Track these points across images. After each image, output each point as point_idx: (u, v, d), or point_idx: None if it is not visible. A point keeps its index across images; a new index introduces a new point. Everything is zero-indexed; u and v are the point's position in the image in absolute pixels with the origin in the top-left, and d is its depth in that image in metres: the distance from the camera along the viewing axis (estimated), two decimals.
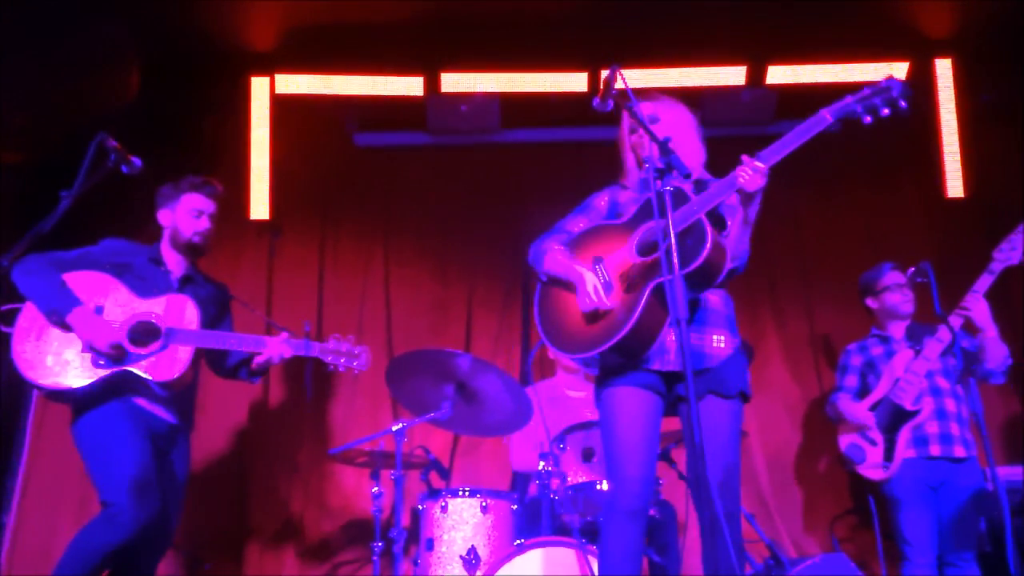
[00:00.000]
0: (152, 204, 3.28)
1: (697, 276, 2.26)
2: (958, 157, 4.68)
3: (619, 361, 2.42)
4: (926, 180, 4.79)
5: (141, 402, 3.01)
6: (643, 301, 2.31)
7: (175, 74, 4.55)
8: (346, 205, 4.94)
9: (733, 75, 4.63)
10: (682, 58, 4.64)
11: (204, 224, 3.23)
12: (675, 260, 2.04)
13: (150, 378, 2.95)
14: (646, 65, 4.58)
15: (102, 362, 2.93)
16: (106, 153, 2.45)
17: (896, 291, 3.78)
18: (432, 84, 4.66)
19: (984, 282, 3.53)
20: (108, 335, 2.93)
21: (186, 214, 3.21)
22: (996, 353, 3.56)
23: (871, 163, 4.92)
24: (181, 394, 3.11)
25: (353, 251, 4.87)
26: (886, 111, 2.28)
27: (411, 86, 4.69)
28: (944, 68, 4.72)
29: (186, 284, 3.20)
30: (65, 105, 4.10)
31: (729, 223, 2.41)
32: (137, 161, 2.58)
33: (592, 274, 2.42)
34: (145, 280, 3.09)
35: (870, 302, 3.87)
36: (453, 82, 4.67)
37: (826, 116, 2.30)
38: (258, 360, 3.18)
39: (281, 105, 4.72)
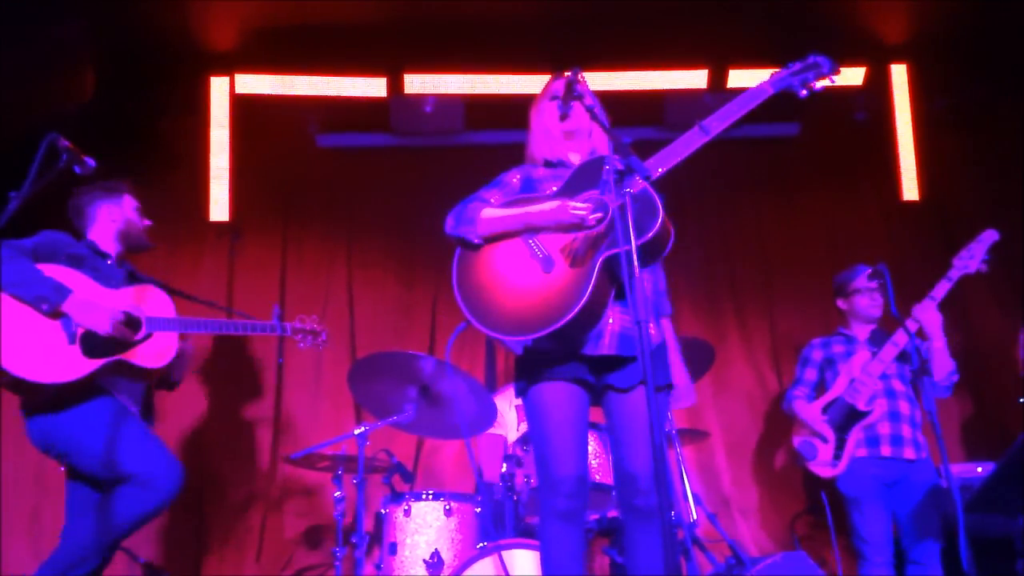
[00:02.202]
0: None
1: (645, 250, 2.16)
2: (913, 161, 4.77)
3: (552, 348, 2.31)
4: (883, 183, 4.88)
5: (120, 398, 2.96)
6: (595, 274, 2.22)
7: (132, 74, 4.46)
8: (308, 206, 4.90)
9: (695, 78, 4.67)
10: (645, 61, 4.67)
11: (148, 222, 3.26)
12: (635, 262, 1.99)
13: (146, 366, 2.95)
14: (609, 68, 4.60)
15: (94, 352, 2.85)
16: (58, 153, 2.38)
17: (866, 294, 3.84)
18: (396, 85, 4.64)
19: (941, 288, 3.60)
20: (111, 315, 2.87)
21: (134, 212, 3.23)
22: (942, 366, 3.60)
23: (830, 166, 5.01)
24: (147, 389, 3.08)
25: (316, 253, 4.83)
26: (819, 85, 2.42)
27: (375, 87, 4.65)
28: (900, 73, 4.81)
29: (132, 276, 3.16)
30: (18, 105, 4.00)
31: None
32: (91, 161, 2.50)
33: (563, 199, 2.28)
34: (100, 272, 3.03)
35: (840, 303, 3.93)
36: (417, 83, 4.65)
37: (767, 88, 2.43)
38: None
39: (241, 105, 4.65)
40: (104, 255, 3.12)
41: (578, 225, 2.30)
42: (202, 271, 4.70)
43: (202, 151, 4.63)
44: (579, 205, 2.28)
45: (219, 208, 4.63)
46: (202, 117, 4.64)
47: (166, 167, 4.53)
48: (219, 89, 4.65)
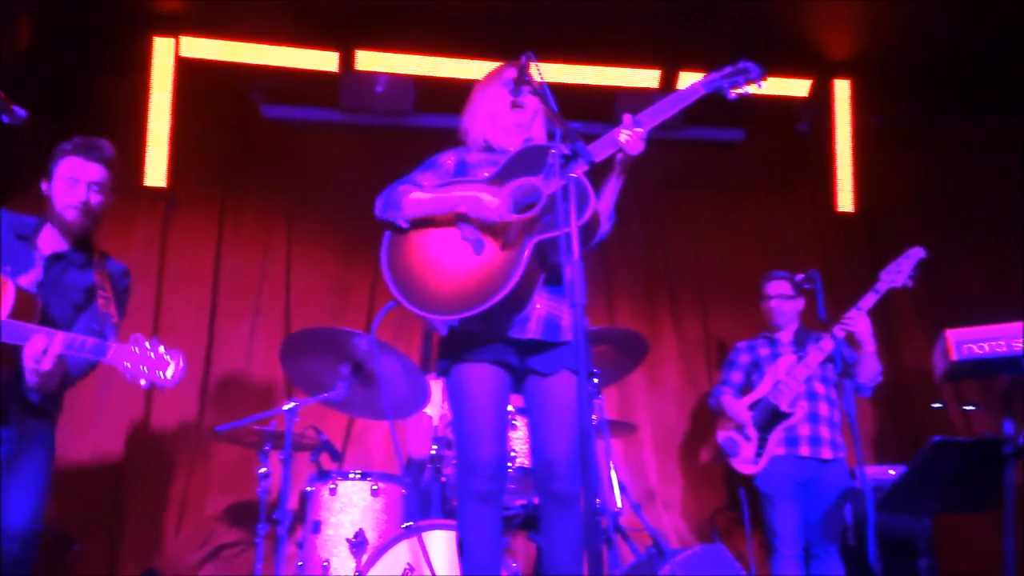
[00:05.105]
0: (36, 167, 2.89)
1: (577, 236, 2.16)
2: (850, 173, 4.93)
3: (478, 329, 2.35)
4: (819, 193, 5.03)
5: None
6: (525, 257, 2.24)
7: (71, 27, 4.30)
8: (250, 178, 4.80)
9: (647, 78, 4.73)
10: (599, 57, 4.70)
11: (80, 194, 2.66)
12: (575, 245, 1.99)
13: None
14: (563, 60, 4.62)
15: None
16: None
17: (769, 302, 3.96)
18: (347, 61, 4.57)
19: (868, 300, 3.72)
20: None
21: (62, 182, 2.69)
22: (870, 369, 3.76)
23: (771, 173, 5.13)
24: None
25: (254, 226, 4.73)
26: (748, 89, 2.46)
27: (325, 60, 4.58)
28: (842, 88, 4.96)
29: (56, 262, 2.70)
30: None
31: (602, 191, 2.40)
32: (20, 111, 2.36)
33: (484, 192, 2.32)
34: (9, 255, 2.61)
35: (760, 304, 4.05)
36: (368, 60, 4.59)
37: (699, 88, 2.44)
38: None
39: (186, 69, 4.53)
40: (26, 237, 2.69)
41: (491, 225, 2.31)
42: (134, 238, 4.56)
43: (141, 113, 4.49)
44: (495, 202, 2.29)
45: (155, 173, 4.49)
46: (143, 78, 4.49)
47: (101, 127, 4.25)
48: (163, 50, 4.52)
